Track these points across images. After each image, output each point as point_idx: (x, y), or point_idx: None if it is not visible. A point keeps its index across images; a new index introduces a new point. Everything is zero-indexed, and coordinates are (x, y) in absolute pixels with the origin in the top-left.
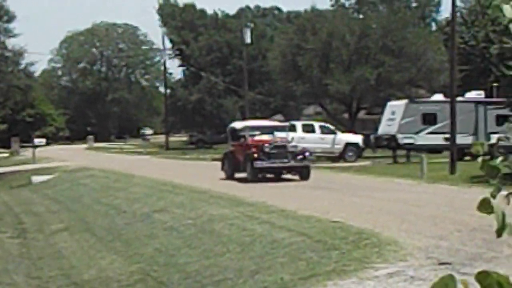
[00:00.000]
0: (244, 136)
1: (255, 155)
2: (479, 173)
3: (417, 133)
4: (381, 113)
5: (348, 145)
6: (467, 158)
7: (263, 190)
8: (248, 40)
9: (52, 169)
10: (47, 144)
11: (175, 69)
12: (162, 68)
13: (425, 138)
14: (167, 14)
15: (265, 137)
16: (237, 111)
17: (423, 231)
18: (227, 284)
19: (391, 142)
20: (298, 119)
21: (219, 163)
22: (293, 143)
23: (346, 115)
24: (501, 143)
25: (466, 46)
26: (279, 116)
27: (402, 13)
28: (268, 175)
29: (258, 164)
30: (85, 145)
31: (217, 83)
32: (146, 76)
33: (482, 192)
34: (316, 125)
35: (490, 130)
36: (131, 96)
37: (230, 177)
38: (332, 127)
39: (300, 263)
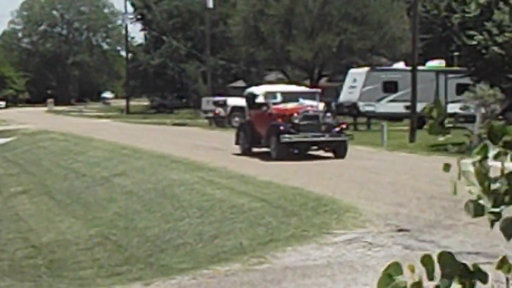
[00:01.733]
0: (266, 104)
1: (282, 127)
2: (438, 141)
3: (378, 101)
4: (343, 80)
5: None
6: (426, 126)
7: (220, 154)
8: (210, 5)
9: (12, 131)
10: (7, 106)
11: (137, 33)
12: (124, 32)
13: (386, 106)
14: None
15: (292, 105)
16: (199, 76)
17: (382, 198)
18: (187, 249)
19: (352, 110)
20: (260, 85)
21: (179, 128)
22: (327, 114)
23: (307, 82)
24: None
25: (428, 15)
26: (241, 82)
27: None
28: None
29: (286, 138)
30: (45, 108)
31: (179, 48)
32: (108, 40)
33: (441, 160)
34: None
35: (450, 99)
36: (92, 59)
37: (246, 151)
38: None
39: (260, 229)
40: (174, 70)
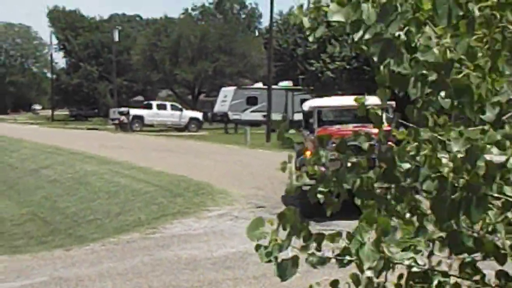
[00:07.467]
0: (311, 125)
1: None
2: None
3: (243, 111)
4: (217, 96)
5: (191, 119)
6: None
7: (123, 151)
8: (117, 39)
9: None
10: None
11: (60, 60)
12: (49, 58)
13: (249, 115)
14: (54, 18)
15: (353, 125)
16: (107, 93)
17: (245, 183)
18: (97, 223)
19: (224, 118)
20: (154, 100)
21: (92, 131)
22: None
23: (190, 97)
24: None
25: (280, 48)
26: (140, 97)
27: (234, 22)
28: None
29: None
30: None
31: (92, 71)
32: (37, 64)
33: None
34: (168, 104)
35: (295, 110)
36: (24, 79)
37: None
38: (179, 106)
39: (153, 207)
40: (88, 88)
